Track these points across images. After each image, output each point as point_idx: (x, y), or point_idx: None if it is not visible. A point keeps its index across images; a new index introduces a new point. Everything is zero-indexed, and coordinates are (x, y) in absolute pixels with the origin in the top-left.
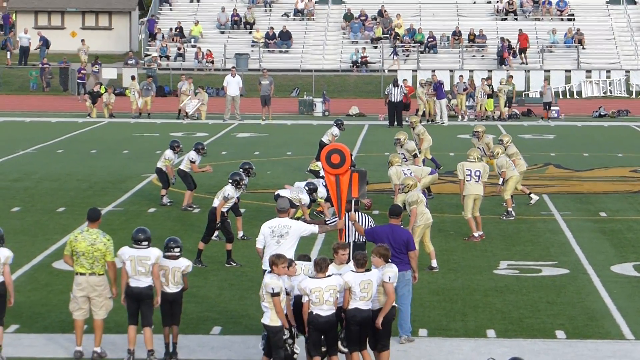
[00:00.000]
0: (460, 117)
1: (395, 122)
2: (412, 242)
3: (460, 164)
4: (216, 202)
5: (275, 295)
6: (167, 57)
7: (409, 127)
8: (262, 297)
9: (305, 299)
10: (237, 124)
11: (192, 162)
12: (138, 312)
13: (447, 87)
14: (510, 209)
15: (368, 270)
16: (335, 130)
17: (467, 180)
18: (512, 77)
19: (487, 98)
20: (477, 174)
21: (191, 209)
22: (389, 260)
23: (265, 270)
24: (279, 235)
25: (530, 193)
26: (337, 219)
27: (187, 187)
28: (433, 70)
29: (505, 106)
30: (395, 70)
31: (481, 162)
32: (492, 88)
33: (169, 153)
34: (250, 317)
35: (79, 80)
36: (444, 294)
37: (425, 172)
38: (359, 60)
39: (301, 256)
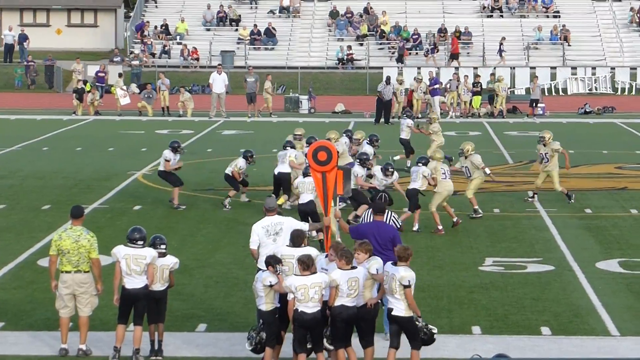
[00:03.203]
0: (452, 114)
1: (382, 120)
2: (397, 238)
3: (436, 165)
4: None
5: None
6: (153, 55)
7: (427, 122)
8: (258, 291)
9: (290, 297)
10: (223, 121)
11: (167, 160)
12: (130, 313)
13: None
14: (476, 207)
15: (354, 267)
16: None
17: (442, 179)
18: (502, 76)
19: (473, 95)
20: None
21: (180, 207)
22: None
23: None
24: (274, 233)
25: (535, 194)
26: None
27: (172, 185)
28: (419, 68)
29: (501, 104)
30: (381, 68)
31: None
32: (481, 85)
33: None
34: (235, 314)
35: (97, 84)
36: (429, 290)
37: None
38: (345, 57)
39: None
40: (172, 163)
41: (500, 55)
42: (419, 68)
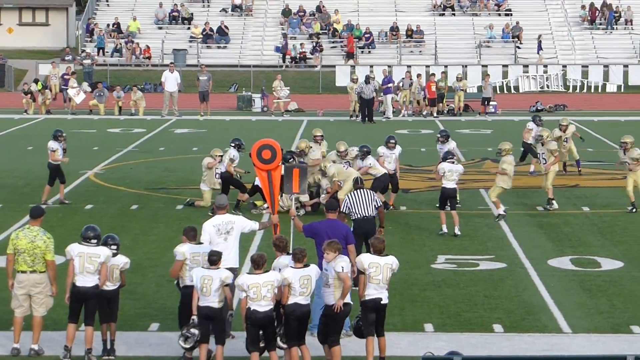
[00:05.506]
0: (404, 112)
1: (367, 119)
2: (350, 236)
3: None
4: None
5: (227, 285)
6: (104, 53)
7: (560, 130)
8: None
9: (242, 295)
10: (175, 120)
11: (53, 151)
12: (80, 311)
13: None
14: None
15: (307, 265)
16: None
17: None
18: (460, 74)
19: None
20: None
21: (67, 202)
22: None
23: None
24: (226, 232)
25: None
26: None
27: (49, 184)
28: (371, 66)
29: (440, 102)
30: (334, 66)
31: None
32: (437, 84)
33: (233, 152)
34: None
35: (63, 87)
36: None
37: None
38: (298, 55)
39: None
40: (59, 153)
41: (538, 52)
42: (371, 66)
